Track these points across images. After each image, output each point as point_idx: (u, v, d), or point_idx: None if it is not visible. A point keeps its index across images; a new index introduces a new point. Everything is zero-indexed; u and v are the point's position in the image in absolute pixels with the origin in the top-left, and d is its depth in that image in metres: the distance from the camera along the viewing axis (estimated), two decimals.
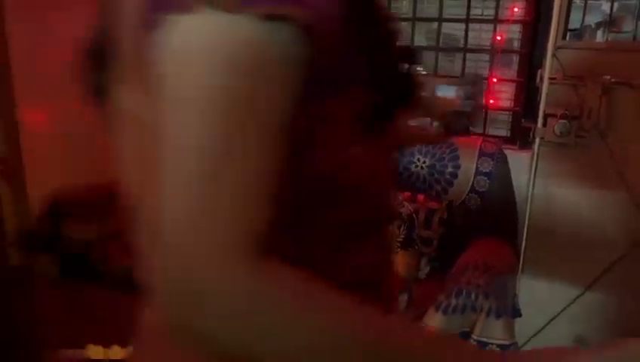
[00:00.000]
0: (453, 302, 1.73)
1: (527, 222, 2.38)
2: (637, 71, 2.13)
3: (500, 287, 1.78)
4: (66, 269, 2.39)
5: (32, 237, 2.41)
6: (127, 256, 1.96)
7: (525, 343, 2.45)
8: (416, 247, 1.79)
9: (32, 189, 2.53)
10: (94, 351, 1.65)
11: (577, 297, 2.39)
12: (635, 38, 2.18)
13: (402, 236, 1.78)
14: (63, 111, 2.58)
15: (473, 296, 1.72)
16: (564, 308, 2.42)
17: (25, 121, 2.45)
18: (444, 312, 1.72)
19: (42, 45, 2.42)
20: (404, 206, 1.77)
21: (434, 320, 1.74)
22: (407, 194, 2.31)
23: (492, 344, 1.68)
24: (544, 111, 2.27)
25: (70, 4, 2.42)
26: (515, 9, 2.38)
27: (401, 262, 1.81)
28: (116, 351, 1.64)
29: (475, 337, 1.70)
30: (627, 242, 2.27)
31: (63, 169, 2.64)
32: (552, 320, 2.45)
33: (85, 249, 2.43)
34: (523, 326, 2.30)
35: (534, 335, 2.48)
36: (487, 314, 1.69)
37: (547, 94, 2.25)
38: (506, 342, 1.68)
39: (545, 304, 2.44)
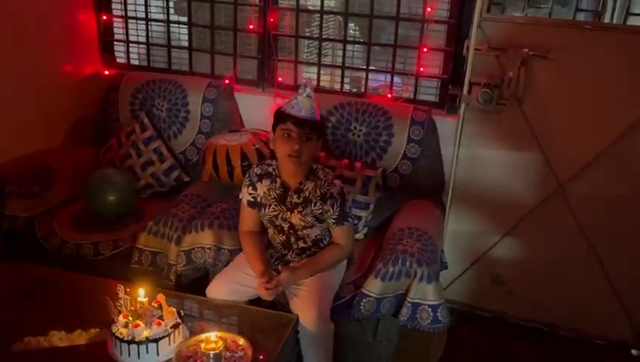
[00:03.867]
0: (390, 269, 1.93)
1: (452, 181, 2.60)
2: (551, 44, 2.32)
3: (431, 254, 1.99)
4: (10, 247, 2.37)
5: None
6: (71, 230, 2.01)
7: (451, 283, 2.76)
8: (350, 220, 1.95)
9: None
10: (58, 336, 1.70)
11: (495, 244, 2.69)
12: (550, 14, 2.35)
13: (336, 214, 1.94)
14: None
15: (407, 263, 1.93)
16: (484, 253, 2.72)
17: None
18: (382, 279, 1.92)
19: None
20: (334, 185, 1.91)
21: (373, 286, 1.94)
22: (345, 161, 2.45)
23: (424, 304, 1.91)
24: (469, 80, 2.43)
25: None
26: None
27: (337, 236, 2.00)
28: (80, 335, 1.70)
29: (409, 299, 1.92)
30: (539, 195, 2.55)
31: None
32: (473, 263, 2.75)
33: (29, 225, 2.42)
34: (449, 271, 2.59)
35: (459, 276, 2.78)
36: (420, 279, 1.91)
37: (472, 64, 2.41)
38: (437, 302, 1.91)
39: (467, 250, 2.74)
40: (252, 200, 2.02)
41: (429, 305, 1.90)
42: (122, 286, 1.64)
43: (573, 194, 2.49)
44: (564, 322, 2.66)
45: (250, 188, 2.01)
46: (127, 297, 1.63)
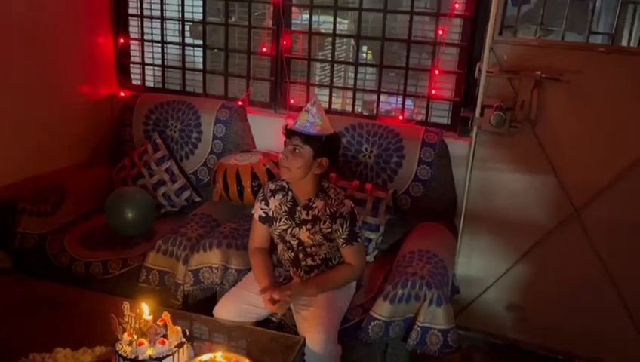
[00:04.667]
0: (399, 292, 1.90)
1: (464, 204, 2.56)
2: (565, 67, 2.30)
3: (441, 277, 1.95)
4: (21, 264, 2.38)
5: None
6: (81, 248, 2.00)
7: (463, 309, 2.70)
8: (360, 240, 1.93)
9: None
10: (63, 354, 1.68)
11: (509, 269, 2.64)
12: (563, 37, 2.34)
13: (346, 233, 1.92)
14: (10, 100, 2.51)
15: (417, 286, 1.89)
16: (495, 281, 2.67)
17: None
18: (391, 302, 1.89)
19: None
20: (344, 204, 1.89)
21: (381, 309, 1.90)
22: (355, 183, 2.43)
23: (434, 328, 1.87)
24: (481, 103, 2.42)
25: None
26: (456, 4, 2.47)
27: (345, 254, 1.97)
28: (85, 353, 1.68)
29: (419, 323, 1.88)
30: (553, 220, 2.51)
31: (12, 159, 2.59)
32: (484, 291, 2.70)
33: (40, 243, 2.43)
34: (460, 296, 2.54)
35: (472, 301, 2.72)
36: (430, 303, 1.87)
37: (484, 86, 2.40)
38: (447, 327, 1.87)
39: (479, 277, 2.68)
40: (264, 215, 2.03)
41: (439, 330, 1.86)
42: (128, 304, 1.62)
43: (589, 219, 2.44)
44: (579, 349, 2.58)
45: (263, 203, 2.03)
46: (133, 315, 1.61)
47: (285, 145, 1.91)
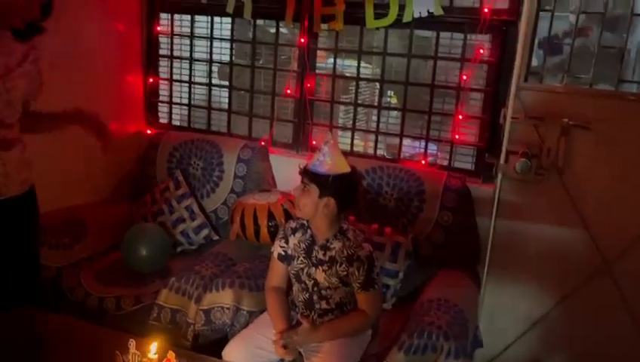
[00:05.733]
0: (415, 342, 1.81)
1: (488, 254, 2.47)
2: (593, 115, 2.25)
3: (460, 328, 1.86)
4: (37, 296, 2.38)
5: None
6: (96, 283, 1.96)
7: None
8: (376, 286, 1.86)
9: None
10: None
11: (535, 324, 2.51)
12: (591, 85, 2.29)
13: (362, 278, 1.86)
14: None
15: (434, 336, 1.80)
16: (521, 335, 2.54)
17: None
18: (406, 353, 1.80)
19: None
20: (363, 248, 1.85)
21: (396, 360, 1.81)
22: (375, 226, 2.38)
23: None
24: (506, 149, 2.37)
25: None
26: (481, 50, 2.46)
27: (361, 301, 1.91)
28: None
29: None
30: (581, 274, 2.39)
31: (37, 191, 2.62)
32: (509, 346, 2.56)
33: (57, 276, 2.43)
34: (483, 350, 2.41)
35: (496, 357, 2.59)
36: (447, 355, 1.77)
37: (509, 132, 2.35)
38: None
39: (503, 330, 2.56)
40: (283, 253, 2.00)
41: None
42: (134, 341, 1.59)
43: (621, 273, 2.32)
44: None
45: (283, 241, 2.01)
46: (137, 353, 1.58)
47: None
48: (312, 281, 1.94)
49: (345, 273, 1.88)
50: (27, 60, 1.85)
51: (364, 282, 1.86)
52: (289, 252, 1.99)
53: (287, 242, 2.00)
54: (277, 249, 2.02)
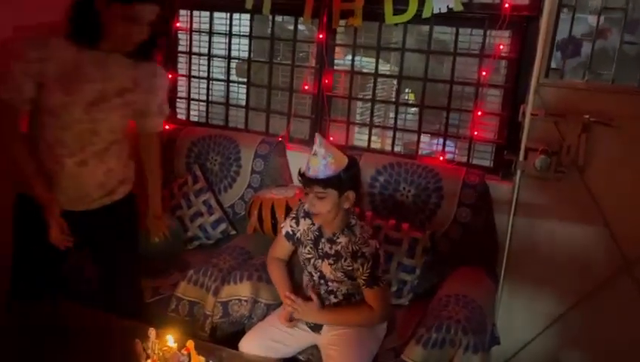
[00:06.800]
0: (434, 336, 1.80)
1: (506, 251, 2.45)
2: (614, 112, 2.22)
3: (478, 323, 1.85)
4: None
5: None
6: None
7: None
8: (382, 284, 1.87)
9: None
10: None
11: (553, 323, 2.48)
12: (613, 81, 2.26)
13: (366, 275, 1.84)
14: None
15: (452, 331, 1.79)
16: (539, 334, 2.51)
17: None
18: (424, 346, 1.79)
19: None
20: (368, 244, 1.86)
21: (414, 353, 1.81)
22: (392, 222, 2.37)
23: None
24: (526, 146, 2.35)
25: None
26: (501, 46, 2.45)
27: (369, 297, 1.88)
28: None
29: None
30: (601, 273, 2.36)
31: None
32: (527, 344, 2.54)
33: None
34: (500, 349, 2.39)
35: (512, 356, 2.56)
36: (465, 349, 1.76)
37: (529, 129, 2.33)
38: None
39: (521, 329, 2.53)
40: (290, 233, 2.02)
41: None
42: (154, 330, 1.60)
43: None
44: None
45: (294, 221, 2.02)
46: (157, 341, 1.59)
47: (306, 193, 1.86)
48: (318, 273, 1.95)
49: (350, 268, 1.87)
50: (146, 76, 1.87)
51: (369, 279, 1.85)
52: (297, 234, 2.01)
53: (297, 223, 2.01)
54: (286, 227, 2.04)
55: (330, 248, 1.90)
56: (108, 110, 1.80)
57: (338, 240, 1.89)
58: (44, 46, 1.67)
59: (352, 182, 1.85)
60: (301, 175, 1.84)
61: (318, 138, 1.79)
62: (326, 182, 1.79)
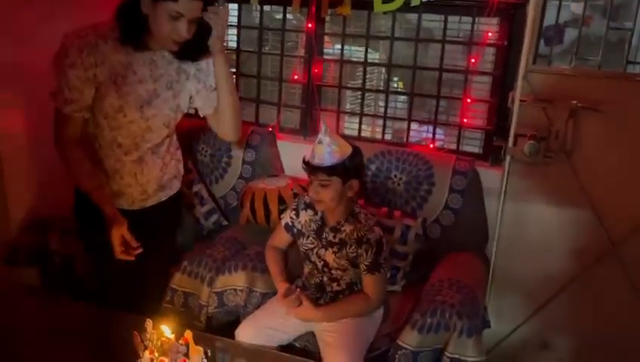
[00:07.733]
0: (428, 320, 1.83)
1: (497, 236, 2.49)
2: (602, 97, 2.25)
3: (472, 307, 1.88)
4: (51, 283, 2.40)
5: (16, 250, 2.41)
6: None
7: (494, 347, 2.59)
8: (382, 271, 1.88)
9: (13, 200, 2.52)
10: None
11: (542, 306, 2.53)
12: (600, 67, 2.29)
13: (369, 261, 1.87)
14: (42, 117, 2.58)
15: (447, 315, 1.82)
16: (529, 317, 2.56)
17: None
18: (420, 331, 1.82)
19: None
20: (373, 231, 1.86)
21: (409, 338, 1.83)
22: (384, 210, 2.40)
23: (464, 361, 1.79)
24: (515, 132, 2.37)
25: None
26: (489, 33, 2.47)
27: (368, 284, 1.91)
28: None
29: (448, 354, 1.81)
30: (590, 255, 2.40)
31: (45, 179, 2.63)
32: (517, 327, 2.58)
33: (70, 262, 2.45)
34: (491, 332, 2.43)
35: (503, 339, 2.61)
36: (460, 333, 1.79)
37: (518, 115, 2.36)
38: (476, 359, 1.78)
39: (511, 312, 2.58)
40: (290, 224, 2.03)
41: None
42: (151, 321, 1.61)
43: (629, 255, 2.33)
44: None
45: (294, 213, 2.03)
46: (155, 332, 1.60)
47: (310, 181, 1.88)
48: (322, 262, 1.96)
49: (354, 254, 1.89)
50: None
51: (371, 265, 1.87)
52: (297, 226, 2.02)
53: (297, 215, 2.02)
54: (286, 218, 2.06)
55: (334, 236, 1.92)
56: (160, 105, 1.79)
57: (342, 229, 1.91)
58: (95, 50, 1.65)
59: (356, 170, 1.87)
60: (305, 163, 1.85)
61: (323, 126, 1.81)
62: (330, 170, 1.81)
